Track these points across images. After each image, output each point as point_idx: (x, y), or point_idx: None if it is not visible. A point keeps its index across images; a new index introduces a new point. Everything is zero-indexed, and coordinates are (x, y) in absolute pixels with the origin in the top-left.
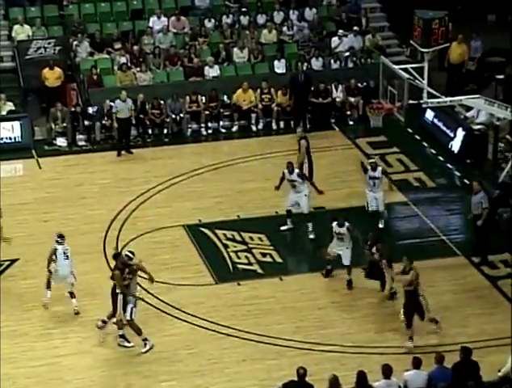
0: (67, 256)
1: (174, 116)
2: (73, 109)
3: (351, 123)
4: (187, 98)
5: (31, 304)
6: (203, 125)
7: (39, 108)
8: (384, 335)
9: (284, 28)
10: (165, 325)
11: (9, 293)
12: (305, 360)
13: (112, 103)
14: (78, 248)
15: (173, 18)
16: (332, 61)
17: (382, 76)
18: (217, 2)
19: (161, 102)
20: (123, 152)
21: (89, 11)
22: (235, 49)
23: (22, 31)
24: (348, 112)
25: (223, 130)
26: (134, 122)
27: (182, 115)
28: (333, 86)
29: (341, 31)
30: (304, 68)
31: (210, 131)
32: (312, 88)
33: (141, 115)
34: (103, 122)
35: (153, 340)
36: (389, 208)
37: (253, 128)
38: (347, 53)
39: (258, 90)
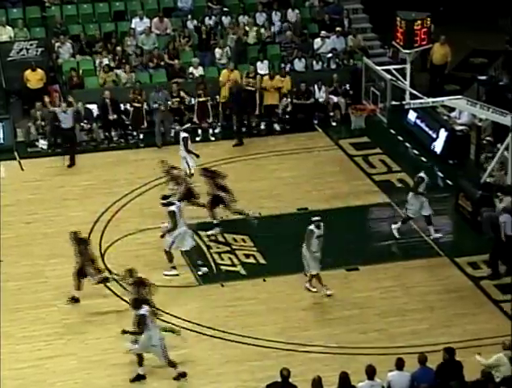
0: None
1: (157, 107)
2: (54, 110)
3: (334, 124)
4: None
5: (15, 306)
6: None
7: (22, 110)
8: (368, 335)
9: (264, 29)
10: None
11: None
12: (289, 361)
13: (58, 110)
14: (61, 250)
15: (155, 19)
16: (314, 62)
17: (365, 77)
18: (199, 4)
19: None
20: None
21: (71, 13)
22: (217, 50)
23: (4, 33)
24: (331, 113)
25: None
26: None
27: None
28: (315, 86)
29: (323, 32)
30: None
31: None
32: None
33: (112, 116)
34: (82, 124)
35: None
36: (372, 209)
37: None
38: (330, 54)
39: (245, 72)
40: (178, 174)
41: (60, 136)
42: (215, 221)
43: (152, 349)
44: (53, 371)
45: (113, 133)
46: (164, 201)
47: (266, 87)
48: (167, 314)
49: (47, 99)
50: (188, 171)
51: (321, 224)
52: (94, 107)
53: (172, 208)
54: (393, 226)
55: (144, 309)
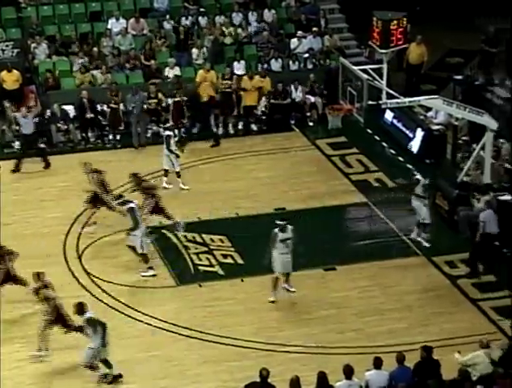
0: None
1: (132, 109)
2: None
3: (311, 124)
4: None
5: None
6: (161, 126)
7: None
8: (345, 335)
9: (240, 29)
10: (126, 327)
11: None
12: (268, 361)
13: (18, 115)
14: (38, 251)
15: (132, 20)
16: (291, 62)
17: (341, 77)
18: (176, 4)
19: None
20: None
21: (47, 13)
22: (194, 50)
23: None
24: (308, 113)
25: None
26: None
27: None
28: (292, 86)
29: (300, 32)
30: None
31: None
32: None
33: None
34: (59, 125)
35: (114, 342)
36: (349, 208)
37: (214, 129)
38: (306, 54)
39: (221, 74)
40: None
41: (20, 141)
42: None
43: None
44: (32, 374)
45: (90, 134)
46: (120, 200)
47: (245, 88)
48: (144, 314)
49: (7, 104)
50: (174, 169)
51: (288, 227)
52: (70, 108)
53: (130, 205)
54: (413, 235)
55: None
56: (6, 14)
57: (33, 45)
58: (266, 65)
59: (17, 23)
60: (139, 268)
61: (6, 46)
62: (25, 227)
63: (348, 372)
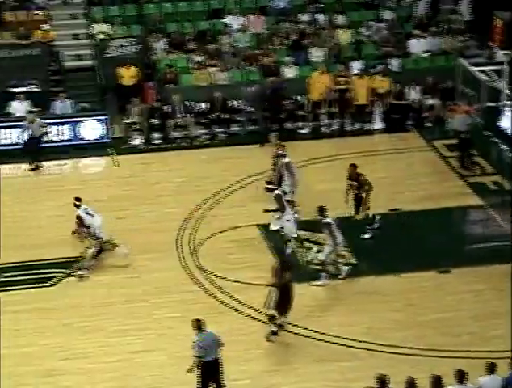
0: (91, 214)
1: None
2: (149, 105)
3: (428, 125)
4: None
5: (106, 300)
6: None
7: (117, 107)
8: (459, 338)
9: (362, 29)
10: (238, 324)
11: (84, 288)
12: (378, 362)
13: (25, 122)
14: (153, 246)
15: (251, 17)
16: (409, 62)
17: (460, 78)
18: (296, 2)
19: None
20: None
21: (168, 10)
22: (313, 49)
23: (102, 30)
24: (425, 114)
25: (300, 131)
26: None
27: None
28: (409, 87)
29: (419, 32)
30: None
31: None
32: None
33: (224, 115)
34: (176, 120)
35: (226, 339)
36: (465, 211)
37: (326, 130)
38: (425, 54)
39: (336, 71)
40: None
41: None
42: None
43: None
44: (143, 365)
45: (216, 131)
46: (268, 186)
47: (359, 87)
48: (257, 311)
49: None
50: None
51: None
52: (189, 104)
53: (277, 191)
54: None
55: None
56: (129, 11)
57: (153, 42)
58: (384, 65)
59: (138, 20)
60: (252, 266)
61: (128, 42)
62: (141, 221)
63: (461, 376)
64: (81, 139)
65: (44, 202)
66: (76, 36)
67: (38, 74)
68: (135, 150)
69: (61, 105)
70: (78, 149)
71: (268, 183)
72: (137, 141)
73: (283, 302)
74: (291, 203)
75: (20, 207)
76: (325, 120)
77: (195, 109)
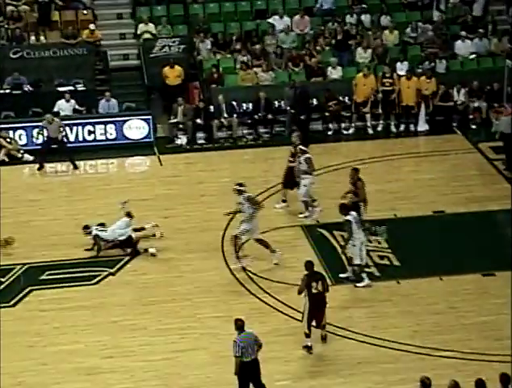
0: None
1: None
2: (194, 105)
3: (474, 127)
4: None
5: (150, 299)
6: (330, 126)
7: (162, 106)
8: (503, 342)
9: (408, 30)
10: (281, 324)
11: (128, 287)
12: (422, 366)
13: (44, 122)
14: (197, 245)
15: (296, 17)
16: (455, 63)
17: (507, 80)
18: (340, 3)
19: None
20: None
21: (213, 11)
22: (359, 49)
23: (147, 30)
24: (471, 116)
25: (344, 131)
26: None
27: None
28: (455, 89)
29: (466, 33)
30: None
31: (330, 132)
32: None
33: (269, 115)
34: (221, 120)
35: (268, 339)
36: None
37: (370, 131)
38: (472, 56)
39: (380, 74)
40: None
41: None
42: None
43: None
44: (186, 364)
45: (260, 131)
46: (237, 187)
47: (405, 88)
48: (300, 312)
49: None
50: None
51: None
52: (235, 105)
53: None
54: None
55: None
56: (174, 11)
57: (198, 42)
58: (429, 67)
59: (184, 20)
60: (294, 266)
61: (173, 42)
62: (185, 221)
63: (505, 380)
64: (126, 138)
65: (89, 201)
66: (122, 36)
67: (84, 74)
68: (179, 150)
69: (107, 104)
70: (123, 148)
71: (239, 184)
72: (182, 140)
73: (314, 313)
74: (312, 202)
75: (66, 206)
76: (370, 121)
77: (240, 109)
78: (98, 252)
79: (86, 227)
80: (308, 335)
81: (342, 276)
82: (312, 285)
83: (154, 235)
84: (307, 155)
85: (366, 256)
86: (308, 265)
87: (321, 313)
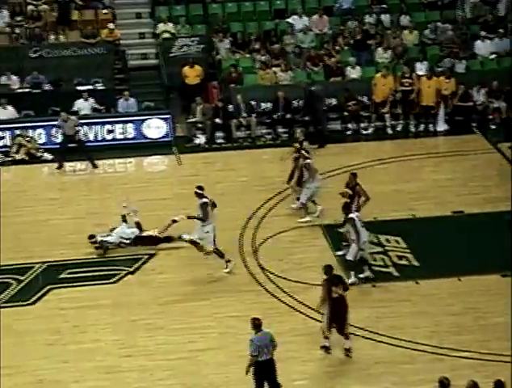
0: None
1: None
2: (213, 105)
3: (493, 127)
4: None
5: (167, 298)
6: (349, 126)
7: (181, 106)
8: None
9: (427, 31)
10: (299, 324)
11: (146, 286)
12: (440, 366)
13: (59, 121)
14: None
15: (315, 17)
16: (475, 63)
17: None
18: (360, 3)
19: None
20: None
21: (232, 10)
22: (379, 49)
23: (166, 29)
24: (490, 116)
25: (363, 131)
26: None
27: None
28: (474, 89)
29: (486, 33)
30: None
31: (349, 132)
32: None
33: (288, 115)
34: (240, 120)
35: (286, 339)
36: None
37: (389, 131)
38: (491, 56)
39: (399, 74)
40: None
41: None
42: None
43: None
44: (204, 364)
45: (279, 130)
46: (197, 190)
47: (424, 88)
48: (318, 312)
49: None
50: None
51: None
52: (254, 104)
53: (204, 200)
54: None
55: None
56: (193, 10)
57: (217, 41)
58: (449, 66)
59: (203, 20)
60: (314, 266)
61: (192, 42)
62: None
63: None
64: (145, 138)
65: (108, 200)
66: (141, 35)
67: (103, 73)
68: (198, 149)
69: (126, 104)
70: (142, 147)
71: (199, 187)
72: (200, 140)
73: (335, 317)
74: (314, 204)
75: (84, 204)
76: (389, 121)
77: (258, 109)
78: (105, 253)
79: (92, 237)
80: (327, 337)
81: (360, 276)
82: (332, 290)
83: (175, 221)
84: (307, 161)
85: (369, 255)
86: (328, 269)
87: (343, 317)
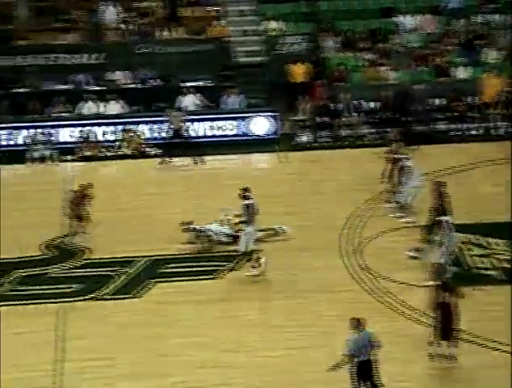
0: None
1: None
2: (318, 103)
3: None
4: None
5: (270, 295)
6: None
7: (285, 103)
8: None
9: None
10: (400, 325)
11: (249, 282)
12: None
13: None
14: (316, 243)
15: (423, 16)
16: None
17: None
18: (469, 2)
19: None
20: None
21: (340, 9)
22: (486, 49)
23: (273, 27)
24: None
25: (469, 132)
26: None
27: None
28: None
29: None
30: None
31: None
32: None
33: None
34: (344, 119)
35: (387, 339)
36: None
37: (495, 132)
38: None
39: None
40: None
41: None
42: None
43: None
44: (302, 361)
45: (384, 130)
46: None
47: None
48: (420, 313)
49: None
50: None
51: None
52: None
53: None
54: None
55: None
56: (300, 8)
57: (323, 40)
58: None
59: (310, 18)
60: (414, 267)
61: (298, 39)
62: (305, 218)
63: None
64: (250, 134)
65: (211, 196)
66: (248, 33)
67: (210, 70)
68: (302, 147)
69: (231, 100)
70: (247, 144)
71: (245, 189)
72: (305, 138)
73: (444, 326)
74: (408, 206)
75: (189, 200)
76: (497, 121)
77: (364, 108)
78: (204, 247)
79: (187, 224)
80: (432, 344)
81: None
82: (441, 296)
83: (278, 232)
84: (406, 163)
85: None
86: (439, 274)
87: (452, 325)
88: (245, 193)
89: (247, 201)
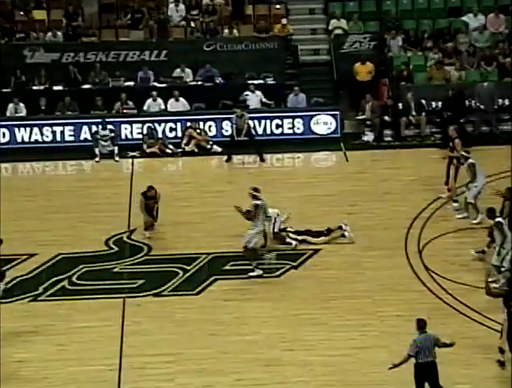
0: None
1: None
2: (382, 102)
3: None
4: None
5: (331, 294)
6: None
7: (350, 102)
8: None
9: None
10: (464, 327)
11: (311, 281)
12: None
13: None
14: (380, 242)
15: (491, 15)
16: None
17: None
18: None
19: None
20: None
21: (406, 7)
22: None
23: (339, 26)
24: None
25: None
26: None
27: None
28: None
29: None
30: None
31: None
32: None
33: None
34: (410, 118)
35: (449, 341)
36: None
37: None
38: None
39: None
40: None
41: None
42: None
43: None
44: (365, 361)
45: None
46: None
47: None
48: (484, 316)
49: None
50: None
51: None
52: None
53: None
54: None
55: None
56: (366, 7)
57: (389, 38)
58: None
59: (376, 17)
60: (477, 269)
61: (364, 38)
62: (369, 218)
63: None
64: (313, 133)
65: (274, 194)
66: (313, 31)
67: (274, 68)
68: (366, 146)
69: (295, 98)
70: (310, 143)
71: (254, 188)
72: (369, 137)
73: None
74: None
75: (251, 197)
76: None
77: (429, 108)
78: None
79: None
80: (502, 351)
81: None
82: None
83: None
84: (469, 161)
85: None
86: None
87: None
88: (254, 193)
89: (256, 201)
